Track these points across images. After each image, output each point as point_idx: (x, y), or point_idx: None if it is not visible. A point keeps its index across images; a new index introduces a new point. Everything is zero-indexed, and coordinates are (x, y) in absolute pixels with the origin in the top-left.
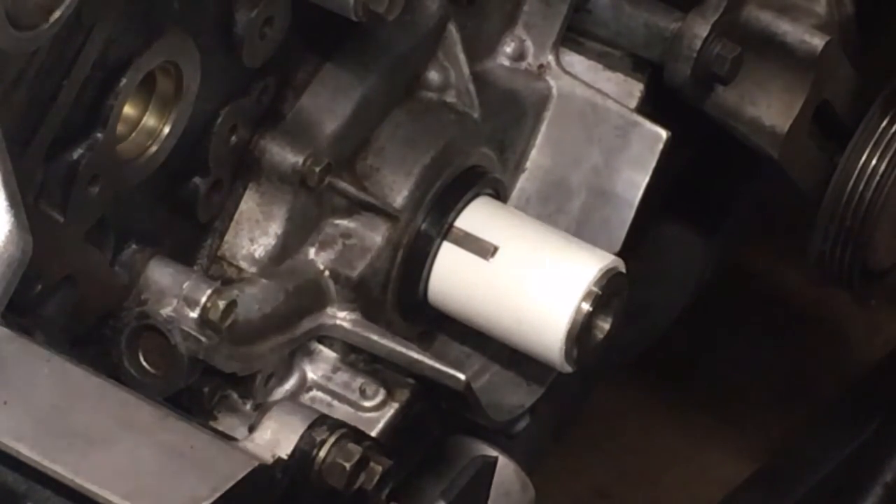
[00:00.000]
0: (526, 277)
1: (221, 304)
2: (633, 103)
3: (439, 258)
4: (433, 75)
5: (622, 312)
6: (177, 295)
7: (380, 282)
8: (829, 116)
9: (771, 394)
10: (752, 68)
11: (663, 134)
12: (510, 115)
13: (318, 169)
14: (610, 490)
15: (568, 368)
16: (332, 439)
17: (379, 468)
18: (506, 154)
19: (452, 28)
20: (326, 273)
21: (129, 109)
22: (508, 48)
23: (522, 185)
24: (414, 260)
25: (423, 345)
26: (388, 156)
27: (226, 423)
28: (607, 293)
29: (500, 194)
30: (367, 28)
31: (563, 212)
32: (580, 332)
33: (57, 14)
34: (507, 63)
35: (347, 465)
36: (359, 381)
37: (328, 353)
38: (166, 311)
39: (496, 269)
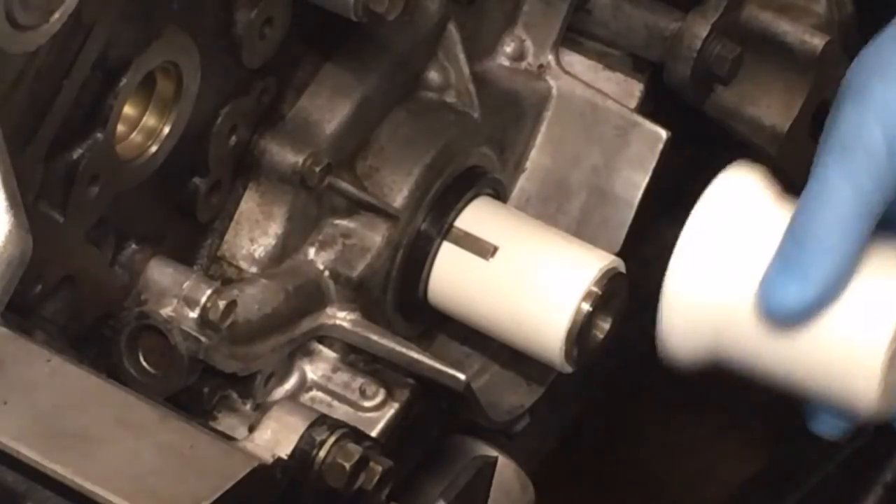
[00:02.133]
0: (526, 277)
1: (221, 304)
2: (633, 103)
3: (439, 258)
4: (433, 75)
5: (622, 312)
6: (177, 295)
7: (380, 282)
8: None
9: (772, 394)
10: (752, 68)
11: (663, 134)
12: (510, 115)
13: (318, 169)
14: (610, 490)
15: (568, 369)
16: (332, 439)
17: (379, 468)
18: (506, 154)
19: (452, 28)
20: (326, 273)
21: (129, 109)
22: (508, 48)
23: (522, 185)
24: (414, 260)
25: (423, 345)
26: (388, 156)
27: (226, 423)
28: (607, 293)
29: (500, 194)
30: (367, 28)
31: (563, 212)
32: (580, 333)
33: (57, 14)
34: (506, 63)
35: (347, 466)
36: (359, 381)
37: (328, 353)
38: (166, 311)
39: (496, 269)
